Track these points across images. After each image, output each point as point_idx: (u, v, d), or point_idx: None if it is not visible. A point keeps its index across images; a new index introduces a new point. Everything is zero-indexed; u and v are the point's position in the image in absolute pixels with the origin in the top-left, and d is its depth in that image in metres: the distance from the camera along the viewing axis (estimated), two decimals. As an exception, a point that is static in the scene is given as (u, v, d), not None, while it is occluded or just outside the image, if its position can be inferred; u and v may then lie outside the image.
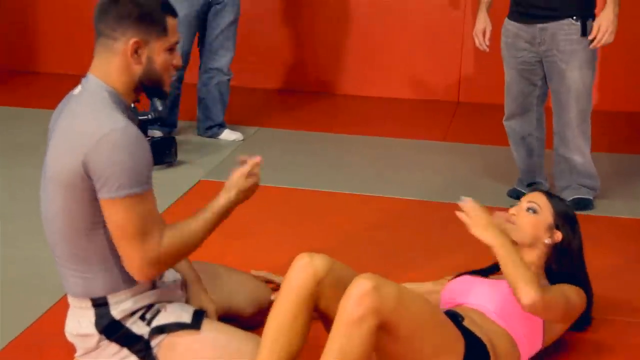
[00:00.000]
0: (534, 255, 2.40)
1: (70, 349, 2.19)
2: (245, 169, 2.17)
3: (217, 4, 4.23)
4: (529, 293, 2.11)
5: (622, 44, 5.10)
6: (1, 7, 5.86)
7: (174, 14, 2.08)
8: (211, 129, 4.52)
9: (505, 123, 3.70)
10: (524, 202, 2.43)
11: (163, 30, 2.04)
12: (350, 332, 1.85)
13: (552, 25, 3.33)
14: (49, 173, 2.03)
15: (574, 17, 3.29)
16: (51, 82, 5.65)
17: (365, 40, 5.53)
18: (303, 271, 2.00)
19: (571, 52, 3.33)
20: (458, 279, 2.46)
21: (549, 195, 2.48)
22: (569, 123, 3.46)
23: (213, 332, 2.12)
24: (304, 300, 1.98)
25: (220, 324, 2.18)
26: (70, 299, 2.15)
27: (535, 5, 3.36)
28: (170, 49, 2.08)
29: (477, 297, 2.31)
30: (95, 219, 2.01)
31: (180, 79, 4.36)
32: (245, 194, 2.17)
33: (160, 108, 4.13)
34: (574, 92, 3.39)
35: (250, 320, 2.42)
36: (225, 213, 2.15)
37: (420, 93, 5.55)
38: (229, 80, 4.49)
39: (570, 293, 2.30)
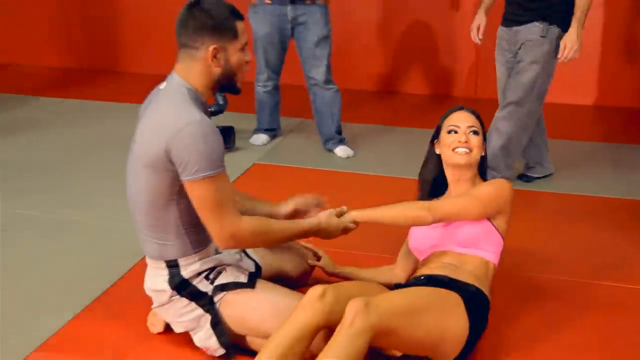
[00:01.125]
0: (475, 169, 2.34)
1: (149, 301, 2.24)
2: (335, 210, 2.24)
3: (300, 24, 3.89)
4: (424, 215, 2.14)
5: (623, 45, 5.06)
6: (89, 18, 5.96)
7: (241, 17, 2.07)
8: (326, 142, 4.16)
9: None
10: (465, 127, 2.30)
11: (234, 35, 2.04)
12: (349, 342, 1.80)
13: (522, 28, 3.37)
14: (136, 155, 2.06)
15: (538, 21, 3.31)
16: (131, 80, 5.73)
17: (385, 41, 5.45)
18: (312, 307, 1.91)
19: (530, 47, 3.34)
20: (412, 234, 2.39)
21: (474, 112, 2.37)
22: (507, 104, 3.42)
23: (265, 290, 2.15)
24: (306, 333, 1.90)
25: (271, 283, 2.21)
26: (148, 261, 2.19)
27: (513, 13, 3.42)
28: (242, 49, 2.07)
29: (440, 241, 2.27)
30: (171, 195, 2.03)
31: (276, 87, 4.16)
32: (328, 231, 2.20)
33: (221, 102, 4.16)
34: (523, 79, 3.37)
35: (295, 281, 2.43)
36: (304, 234, 2.18)
37: (440, 89, 5.49)
38: (334, 93, 4.02)
39: (477, 189, 2.23)
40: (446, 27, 5.36)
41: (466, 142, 2.29)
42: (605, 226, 3.22)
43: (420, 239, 2.36)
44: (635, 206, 3.45)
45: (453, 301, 2.05)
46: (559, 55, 3.31)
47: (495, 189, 2.24)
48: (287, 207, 2.40)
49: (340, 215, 2.25)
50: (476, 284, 2.15)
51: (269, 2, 3.87)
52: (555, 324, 2.42)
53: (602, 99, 5.18)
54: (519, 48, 3.40)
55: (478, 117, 2.38)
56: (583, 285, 2.69)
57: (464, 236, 2.24)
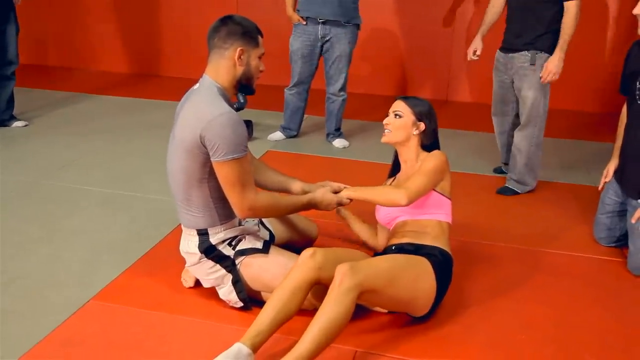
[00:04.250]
0: (412, 144, 2.25)
1: (182, 261, 2.23)
2: (333, 186, 2.21)
3: (327, 41, 3.83)
4: (400, 199, 2.05)
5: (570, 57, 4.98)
6: (134, 30, 5.88)
7: (261, 34, 2.07)
8: (328, 136, 4.13)
9: (492, 117, 3.49)
10: (391, 112, 2.24)
11: (257, 44, 2.04)
12: (340, 299, 1.76)
13: (515, 55, 3.18)
14: (176, 141, 2.02)
15: (527, 50, 3.13)
16: (169, 82, 5.68)
17: (379, 50, 5.37)
18: (305, 265, 1.87)
19: (524, 75, 3.16)
20: (378, 209, 2.33)
21: (407, 99, 2.26)
22: (522, 127, 3.25)
23: (277, 255, 2.12)
24: (302, 286, 1.86)
25: (281, 249, 2.18)
26: (183, 228, 2.16)
27: (508, 41, 3.23)
28: (259, 57, 2.06)
29: (399, 212, 2.21)
30: (204, 175, 2.00)
31: (301, 94, 4.01)
32: (323, 204, 2.18)
33: (242, 101, 4.08)
34: (527, 105, 3.19)
35: (301, 248, 2.32)
36: (304, 207, 2.16)
37: (413, 92, 5.37)
38: (343, 100, 4.00)
39: (424, 166, 2.13)
40: (419, 45, 5.29)
41: (387, 123, 2.24)
42: (548, 204, 3.19)
43: (382, 215, 2.31)
44: (572, 189, 3.42)
45: (423, 266, 2.01)
46: (541, 77, 3.10)
47: (437, 159, 2.16)
48: (298, 187, 2.32)
49: (337, 191, 2.22)
50: (437, 244, 2.11)
51: (305, 23, 3.84)
52: (507, 282, 2.40)
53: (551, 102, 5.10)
54: (514, 73, 3.21)
55: (413, 105, 2.25)
56: (530, 252, 2.67)
57: (417, 206, 2.18)
